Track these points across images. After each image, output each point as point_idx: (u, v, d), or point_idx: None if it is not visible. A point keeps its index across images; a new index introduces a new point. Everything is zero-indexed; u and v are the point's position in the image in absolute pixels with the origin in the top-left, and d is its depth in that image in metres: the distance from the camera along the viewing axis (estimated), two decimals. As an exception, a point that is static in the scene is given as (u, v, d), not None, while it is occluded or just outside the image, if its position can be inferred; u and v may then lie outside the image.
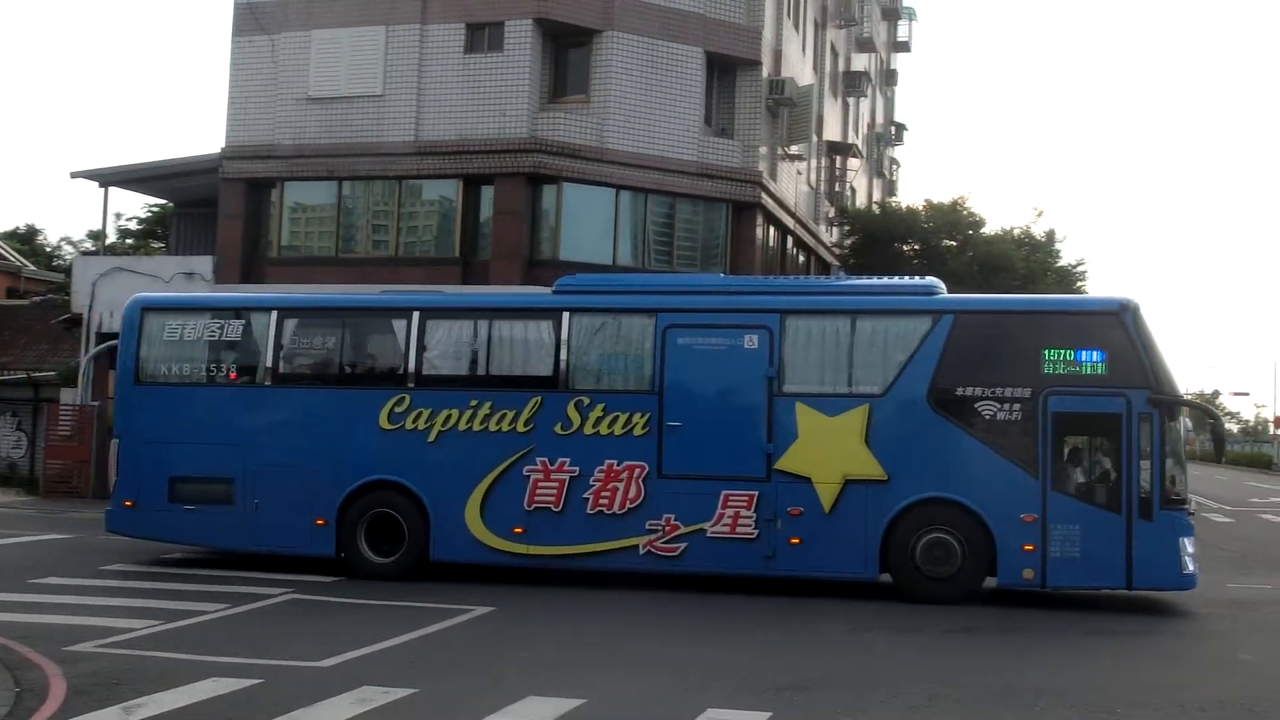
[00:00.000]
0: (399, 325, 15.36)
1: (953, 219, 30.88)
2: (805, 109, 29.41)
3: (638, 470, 14.33)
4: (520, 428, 14.61)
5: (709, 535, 14.17)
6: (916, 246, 30.64)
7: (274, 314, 15.66)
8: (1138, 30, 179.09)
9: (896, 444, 13.99)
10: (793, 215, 30.25)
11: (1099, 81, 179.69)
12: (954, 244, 30.41)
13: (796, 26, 30.71)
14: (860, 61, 40.01)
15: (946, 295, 15.20)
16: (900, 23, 47.74)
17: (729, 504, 14.14)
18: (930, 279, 15.61)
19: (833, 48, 35.83)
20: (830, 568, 14.19)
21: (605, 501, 14.38)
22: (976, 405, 13.88)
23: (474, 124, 24.84)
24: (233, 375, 15.80)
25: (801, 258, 33.01)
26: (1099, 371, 13.78)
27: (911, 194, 78.18)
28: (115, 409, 16.46)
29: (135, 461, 15.51)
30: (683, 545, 14.24)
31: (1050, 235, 32.99)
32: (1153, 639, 12.55)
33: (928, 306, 14.50)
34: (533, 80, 24.86)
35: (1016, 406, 13.79)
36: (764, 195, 26.97)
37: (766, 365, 14.27)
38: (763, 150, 27.39)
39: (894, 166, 48.76)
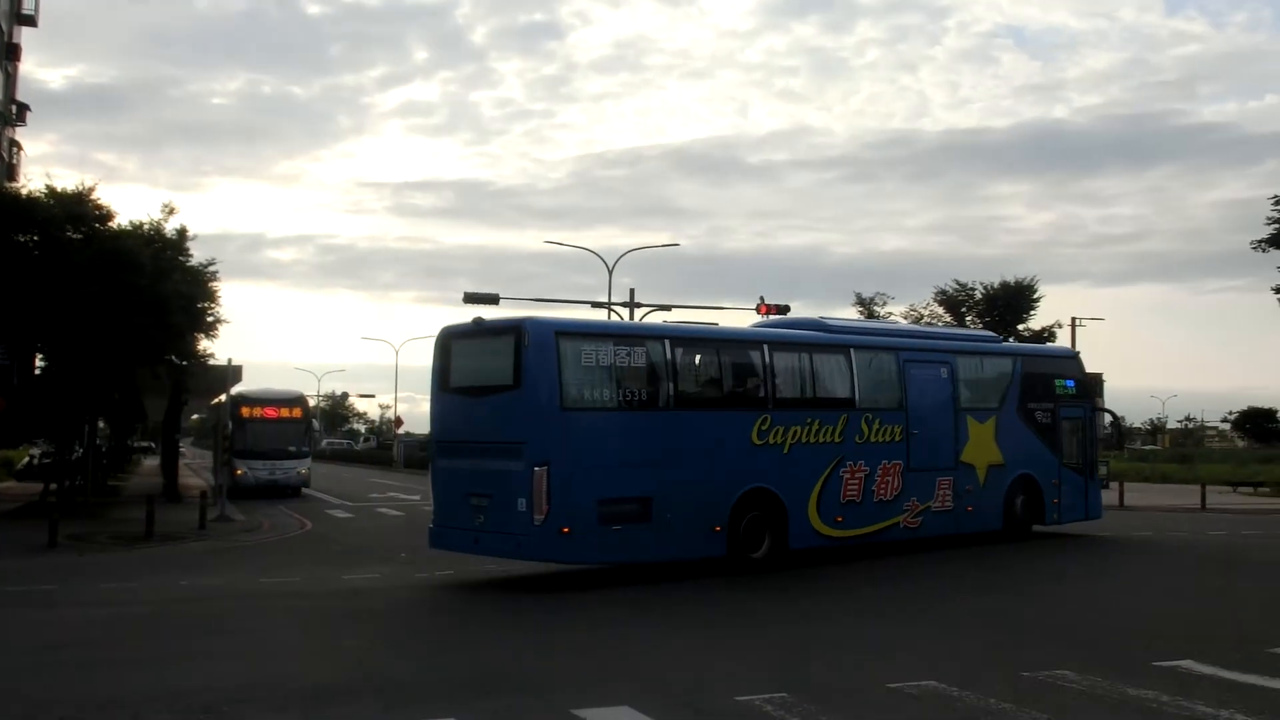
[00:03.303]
0: (755, 355, 18.51)
1: (79, 210, 28.81)
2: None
3: (898, 466, 19.76)
4: (836, 439, 18.89)
5: (933, 510, 20.37)
6: (35, 237, 28.25)
7: (667, 342, 17.26)
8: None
9: (1006, 440, 21.78)
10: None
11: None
12: (79, 236, 28.47)
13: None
14: (-26, 29, 36.22)
15: (1014, 343, 25.78)
16: (25, -7, 44.18)
17: (941, 486, 20.52)
18: (990, 333, 25.94)
19: (-61, 9, 31.98)
20: (982, 525, 21.26)
21: (883, 491, 19.57)
22: (1035, 414, 22.61)
23: None
24: (643, 399, 16.81)
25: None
26: (1074, 393, 23.69)
27: (41, 181, 72.33)
28: (537, 436, 15.78)
29: (567, 488, 15.57)
30: (921, 519, 20.14)
31: (182, 233, 31.88)
32: (262, 634, 12.69)
33: (1010, 351, 24.30)
34: None
35: (1048, 414, 22.83)
36: None
37: (952, 389, 21.07)
38: None
39: (15, 149, 44.84)
